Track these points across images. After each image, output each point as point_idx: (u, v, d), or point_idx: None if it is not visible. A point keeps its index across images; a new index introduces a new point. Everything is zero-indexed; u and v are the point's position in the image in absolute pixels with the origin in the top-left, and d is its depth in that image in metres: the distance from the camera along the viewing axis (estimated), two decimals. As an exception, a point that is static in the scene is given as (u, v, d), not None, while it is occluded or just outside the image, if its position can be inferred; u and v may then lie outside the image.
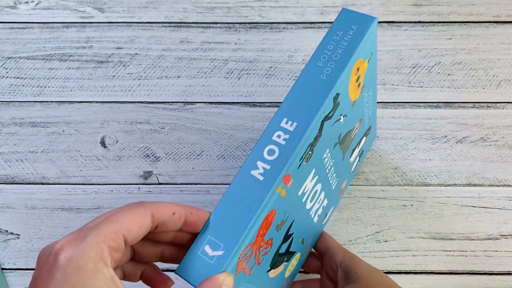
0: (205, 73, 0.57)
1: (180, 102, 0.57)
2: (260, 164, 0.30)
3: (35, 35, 0.58)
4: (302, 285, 0.47)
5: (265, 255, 0.33)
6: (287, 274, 0.42)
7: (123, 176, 0.56)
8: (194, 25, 0.58)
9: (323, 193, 0.40)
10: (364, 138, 0.45)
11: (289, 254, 0.39)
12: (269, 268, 0.36)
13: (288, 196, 0.32)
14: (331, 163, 0.38)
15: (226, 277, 0.27)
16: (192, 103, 0.57)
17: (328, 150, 0.35)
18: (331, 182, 0.41)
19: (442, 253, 0.53)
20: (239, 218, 0.29)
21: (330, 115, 0.32)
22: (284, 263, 0.39)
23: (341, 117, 0.35)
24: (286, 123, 0.31)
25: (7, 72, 0.58)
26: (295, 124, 0.31)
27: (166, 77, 0.57)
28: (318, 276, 0.48)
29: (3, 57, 0.58)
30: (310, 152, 0.32)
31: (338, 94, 0.32)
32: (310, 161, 0.33)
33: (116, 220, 0.26)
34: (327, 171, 0.38)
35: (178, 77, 0.57)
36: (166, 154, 0.56)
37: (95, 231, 0.25)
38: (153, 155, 0.56)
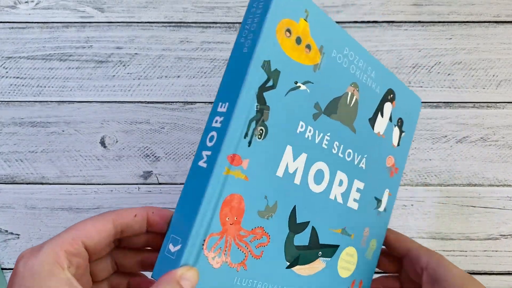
0: (205, 73, 0.57)
1: (180, 102, 0.57)
2: (204, 153, 0.30)
3: (35, 35, 0.58)
4: (381, 283, 0.44)
5: (262, 246, 0.32)
6: (343, 273, 0.39)
7: (123, 176, 0.56)
8: (194, 25, 0.58)
9: (339, 174, 0.37)
10: (389, 104, 0.41)
11: (322, 247, 0.37)
12: (288, 263, 0.34)
13: (258, 178, 0.31)
14: (327, 138, 0.36)
15: (186, 271, 0.27)
16: (192, 103, 0.57)
17: (302, 123, 0.34)
18: (347, 159, 0.38)
19: (442, 253, 0.53)
20: (190, 209, 0.29)
21: (269, 85, 0.32)
22: (321, 258, 0.37)
23: (300, 84, 0.33)
24: (221, 106, 0.31)
25: (6, 72, 0.58)
26: (227, 104, 0.31)
27: (166, 77, 0.57)
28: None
29: (2, 57, 0.58)
30: (262, 128, 0.31)
31: (267, 62, 0.31)
32: (269, 137, 0.32)
33: (75, 228, 0.27)
34: (324, 146, 0.36)
35: (178, 77, 0.57)
36: (166, 154, 0.56)
37: (53, 239, 0.26)
38: (153, 155, 0.56)
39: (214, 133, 0.30)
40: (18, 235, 0.55)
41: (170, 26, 0.58)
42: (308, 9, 0.33)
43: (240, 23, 0.58)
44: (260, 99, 0.31)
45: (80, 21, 0.59)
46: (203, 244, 0.29)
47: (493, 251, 0.53)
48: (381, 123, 0.41)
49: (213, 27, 0.58)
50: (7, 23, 0.59)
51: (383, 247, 0.43)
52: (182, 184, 0.55)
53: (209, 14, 0.58)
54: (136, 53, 0.58)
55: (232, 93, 0.30)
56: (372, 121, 0.40)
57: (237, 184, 0.30)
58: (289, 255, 0.35)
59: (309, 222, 0.36)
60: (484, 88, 0.56)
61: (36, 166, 0.56)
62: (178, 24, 0.58)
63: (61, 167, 0.56)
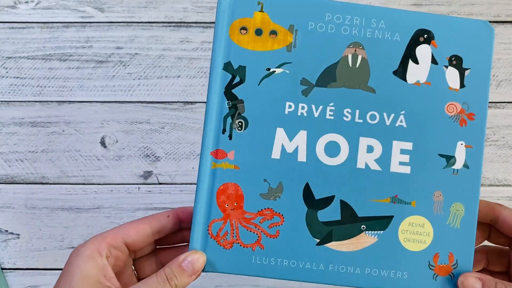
0: (205, 72, 0.57)
1: (180, 102, 0.57)
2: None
3: (35, 34, 0.58)
4: (485, 254, 0.39)
5: (276, 226, 0.35)
6: (413, 246, 0.36)
7: (123, 176, 0.56)
8: (194, 25, 0.58)
9: (363, 140, 0.36)
10: (424, 46, 0.37)
11: (365, 220, 0.35)
12: (318, 240, 0.35)
13: (250, 165, 0.35)
14: (331, 108, 0.36)
15: (189, 254, 0.32)
16: (192, 102, 0.57)
17: (290, 103, 0.35)
18: (372, 122, 0.36)
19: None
20: (195, 202, 0.35)
21: (236, 82, 0.35)
22: (367, 232, 0.35)
23: (275, 69, 0.35)
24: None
25: (7, 72, 0.58)
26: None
27: (166, 77, 0.57)
28: None
29: (3, 57, 0.58)
30: (241, 120, 0.35)
31: (227, 63, 0.35)
32: (252, 126, 0.35)
33: (117, 227, 0.33)
34: (330, 117, 0.35)
35: (178, 77, 0.57)
36: (166, 154, 0.56)
37: (99, 234, 0.32)
38: (153, 155, 0.56)
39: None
40: (18, 235, 0.55)
41: (170, 26, 0.58)
42: (261, 0, 0.35)
43: (240, 23, 0.58)
44: (230, 96, 0.35)
45: (80, 21, 0.59)
46: (208, 230, 0.34)
47: (493, 251, 0.53)
48: (418, 71, 0.36)
49: (213, 27, 0.58)
50: (7, 23, 0.59)
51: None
52: (182, 184, 0.55)
53: (209, 14, 0.58)
54: (136, 53, 0.58)
55: (207, 98, 0.35)
56: (401, 72, 0.36)
57: (227, 174, 0.34)
58: (316, 232, 0.35)
59: (333, 196, 0.35)
60: (484, 88, 0.56)
61: (36, 166, 0.56)
62: (178, 24, 0.58)
63: (61, 167, 0.56)
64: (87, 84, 0.57)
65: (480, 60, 0.37)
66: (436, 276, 0.35)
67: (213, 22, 0.59)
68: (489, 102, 0.56)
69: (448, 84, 0.36)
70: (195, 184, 0.56)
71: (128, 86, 0.57)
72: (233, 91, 0.35)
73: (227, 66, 0.35)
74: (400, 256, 0.35)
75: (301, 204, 0.35)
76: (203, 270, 0.33)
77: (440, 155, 0.36)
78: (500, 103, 0.56)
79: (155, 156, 0.56)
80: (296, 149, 0.35)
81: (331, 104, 0.36)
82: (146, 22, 0.59)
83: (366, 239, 0.35)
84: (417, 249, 0.36)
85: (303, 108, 0.35)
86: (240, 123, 0.35)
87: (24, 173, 0.56)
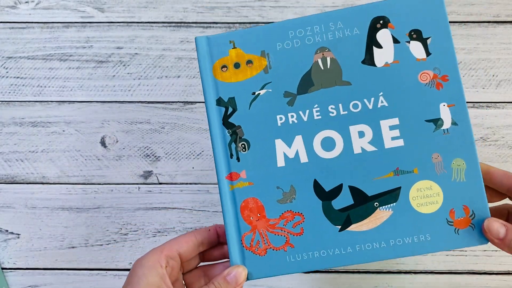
0: (205, 73, 0.57)
1: (180, 101, 0.57)
2: None
3: (35, 35, 0.58)
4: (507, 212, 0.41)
5: (299, 224, 0.39)
6: (427, 209, 0.38)
7: (123, 175, 0.56)
8: (194, 25, 0.58)
9: (353, 128, 0.39)
10: (383, 30, 0.40)
11: (376, 198, 0.38)
12: (340, 227, 0.38)
13: (261, 178, 0.39)
14: (317, 109, 0.39)
15: (232, 269, 0.37)
16: (192, 102, 0.57)
17: (280, 115, 0.39)
18: (355, 110, 0.39)
19: (441, 253, 0.53)
20: (224, 223, 0.39)
21: (230, 112, 0.40)
22: (381, 208, 0.38)
23: (259, 92, 0.40)
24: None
25: (7, 72, 0.58)
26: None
27: (166, 77, 0.57)
28: None
29: (3, 57, 0.58)
30: (243, 143, 0.39)
31: (218, 99, 0.40)
32: (253, 145, 0.39)
33: (171, 240, 0.38)
34: (317, 117, 0.39)
35: (178, 77, 0.57)
36: (166, 153, 0.56)
37: (157, 247, 0.37)
38: (153, 155, 0.56)
39: None
40: (19, 234, 0.55)
41: (170, 26, 0.58)
42: (231, 39, 0.40)
43: (240, 23, 0.58)
44: (228, 125, 0.40)
45: (81, 21, 0.59)
46: (241, 243, 0.38)
47: (493, 250, 0.53)
48: (383, 53, 0.39)
49: (213, 27, 0.58)
50: (8, 23, 0.59)
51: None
52: (182, 183, 0.55)
53: (209, 14, 0.58)
54: (136, 53, 0.58)
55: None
56: (368, 60, 0.39)
57: (244, 191, 0.39)
58: (335, 220, 0.39)
59: (341, 184, 0.39)
60: (483, 88, 0.56)
61: (37, 166, 0.56)
62: (178, 24, 0.58)
63: (61, 167, 0.56)
64: (87, 84, 0.57)
65: (438, 27, 0.39)
66: (458, 230, 0.38)
67: (213, 22, 0.59)
68: (489, 102, 0.56)
69: (415, 56, 0.39)
70: (195, 184, 0.56)
71: (128, 86, 0.57)
72: (229, 120, 0.40)
73: (219, 101, 0.40)
74: (418, 221, 0.38)
75: (315, 199, 0.39)
76: (247, 279, 0.38)
77: (426, 120, 0.39)
78: (500, 103, 0.56)
79: (155, 156, 0.56)
80: (297, 153, 0.39)
81: (316, 106, 0.39)
82: (146, 22, 0.59)
83: (382, 214, 0.38)
84: (432, 210, 0.38)
85: (292, 116, 0.39)
86: (243, 145, 0.39)
87: (25, 173, 0.56)
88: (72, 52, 0.58)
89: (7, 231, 0.55)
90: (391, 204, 0.39)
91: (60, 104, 0.57)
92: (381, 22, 0.40)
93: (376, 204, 0.39)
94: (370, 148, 0.39)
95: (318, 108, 0.39)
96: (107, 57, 0.58)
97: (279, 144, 0.39)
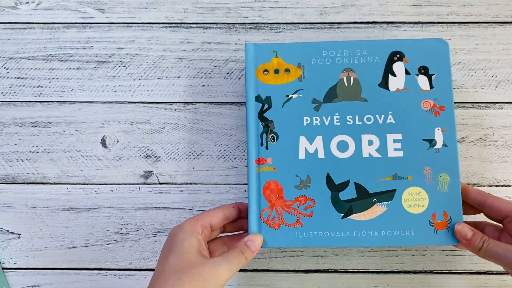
0: (205, 73, 0.57)
1: (180, 102, 0.57)
2: None
3: (36, 35, 0.59)
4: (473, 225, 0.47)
5: (310, 208, 0.47)
6: (414, 210, 0.47)
7: (124, 176, 0.56)
8: (194, 25, 0.59)
9: (365, 136, 0.48)
10: (398, 63, 0.49)
11: (375, 195, 0.47)
12: (343, 214, 0.47)
13: (284, 166, 0.47)
14: (337, 117, 0.48)
15: (251, 236, 0.45)
16: (192, 103, 0.57)
17: (306, 117, 0.48)
18: (368, 123, 0.48)
19: (441, 253, 0.53)
20: (248, 198, 0.48)
21: (265, 108, 0.49)
22: (378, 204, 0.47)
23: (292, 95, 0.49)
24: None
25: (7, 73, 0.58)
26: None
27: (166, 77, 0.57)
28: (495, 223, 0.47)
29: (4, 57, 0.58)
30: (273, 135, 0.48)
31: (257, 96, 0.49)
32: (281, 138, 0.48)
33: (204, 213, 0.45)
34: (337, 124, 0.48)
35: (179, 77, 0.57)
36: (166, 154, 0.56)
37: (192, 218, 0.44)
38: (153, 155, 0.56)
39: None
40: (19, 234, 0.55)
41: (170, 26, 0.59)
42: (275, 49, 0.50)
43: (240, 23, 0.58)
44: (263, 119, 0.48)
45: (81, 22, 0.59)
46: (260, 217, 0.47)
47: (492, 250, 0.53)
48: (396, 81, 0.49)
49: (213, 27, 0.58)
50: (8, 24, 0.59)
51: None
52: (183, 183, 0.55)
53: (210, 15, 0.59)
54: (136, 54, 0.58)
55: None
56: (384, 84, 0.49)
57: (268, 174, 0.48)
58: (340, 208, 0.47)
59: (349, 180, 0.47)
60: (483, 88, 0.56)
61: (37, 166, 0.56)
62: (179, 25, 0.59)
63: (62, 167, 0.56)
64: (87, 85, 0.58)
65: (441, 67, 0.49)
66: (437, 231, 0.46)
67: (213, 23, 0.59)
68: (488, 103, 0.56)
69: (421, 87, 0.49)
70: (195, 184, 0.57)
71: (128, 86, 0.57)
72: (264, 115, 0.48)
73: (258, 98, 0.49)
74: (406, 218, 0.47)
75: (325, 189, 0.47)
76: (262, 247, 0.46)
77: (423, 139, 0.48)
78: (499, 104, 0.56)
79: (156, 156, 0.56)
80: (316, 150, 0.48)
81: (337, 114, 0.48)
82: (146, 23, 0.59)
83: (378, 209, 0.47)
84: (418, 211, 0.47)
85: (316, 119, 0.48)
86: (272, 137, 0.48)
87: (25, 173, 0.56)
88: (72, 53, 0.58)
89: (7, 231, 0.55)
90: (387, 202, 0.47)
91: (60, 104, 0.57)
92: (398, 55, 0.49)
93: (375, 200, 0.47)
94: (376, 154, 0.48)
95: (338, 116, 0.48)
96: (107, 57, 0.58)
97: (302, 140, 0.48)
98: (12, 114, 0.57)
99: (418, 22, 0.58)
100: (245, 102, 0.56)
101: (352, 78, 0.49)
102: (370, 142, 0.48)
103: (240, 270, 0.54)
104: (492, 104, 0.56)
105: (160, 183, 0.56)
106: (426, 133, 0.48)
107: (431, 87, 0.49)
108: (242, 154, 0.56)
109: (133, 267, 0.54)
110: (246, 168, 0.55)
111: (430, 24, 0.58)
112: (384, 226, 0.47)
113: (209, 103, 0.57)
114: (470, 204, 0.47)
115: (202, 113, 0.57)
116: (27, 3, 0.60)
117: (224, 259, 0.41)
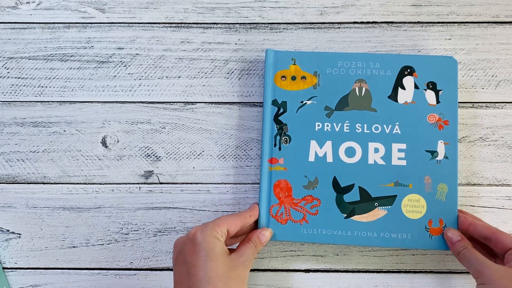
0: (205, 73, 0.57)
1: (180, 102, 0.57)
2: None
3: (36, 35, 0.59)
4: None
5: (316, 207, 0.50)
6: (412, 215, 0.50)
7: (124, 175, 0.56)
8: (194, 25, 0.59)
9: (372, 144, 0.51)
10: (408, 77, 0.52)
11: (377, 199, 0.50)
12: (346, 215, 0.50)
13: (294, 167, 0.51)
14: (347, 124, 0.51)
15: (262, 230, 0.49)
16: (192, 103, 0.57)
17: (318, 123, 0.51)
18: (376, 132, 0.51)
19: (441, 253, 0.54)
20: (260, 194, 0.51)
21: (281, 111, 0.52)
22: (379, 207, 0.50)
23: (306, 101, 0.52)
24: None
25: (8, 72, 0.58)
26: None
27: (166, 77, 0.57)
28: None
29: (4, 57, 0.58)
30: (286, 137, 0.51)
31: (274, 100, 0.52)
32: (293, 141, 0.51)
33: (222, 218, 0.47)
34: (346, 130, 0.51)
35: (179, 77, 0.57)
36: (167, 153, 0.56)
37: (212, 223, 0.46)
38: (153, 155, 0.56)
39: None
40: (20, 234, 0.55)
41: (171, 26, 0.59)
42: (294, 57, 0.53)
43: (240, 23, 0.59)
44: (278, 122, 0.52)
45: (82, 22, 0.59)
46: (269, 212, 0.50)
47: (492, 250, 0.53)
48: (405, 94, 0.52)
49: (213, 27, 0.58)
50: (9, 24, 0.59)
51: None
52: (183, 183, 0.55)
53: (210, 15, 0.59)
54: (137, 54, 0.58)
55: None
56: (393, 96, 0.52)
57: (279, 173, 0.51)
58: (343, 209, 0.50)
59: (353, 184, 0.50)
60: (483, 88, 0.56)
61: (38, 166, 0.56)
62: (179, 25, 0.59)
63: (62, 167, 0.56)
64: (88, 85, 0.58)
65: (449, 83, 0.52)
66: (432, 236, 0.49)
67: (213, 23, 0.59)
68: (488, 102, 0.56)
69: (428, 102, 0.51)
70: (196, 183, 0.57)
71: (129, 86, 0.57)
72: (279, 118, 0.52)
73: (274, 102, 0.52)
74: (404, 223, 0.50)
75: (331, 191, 0.50)
76: (270, 239, 0.49)
77: (426, 151, 0.51)
78: (499, 103, 0.56)
79: (156, 156, 0.56)
80: (325, 154, 0.51)
81: (347, 121, 0.51)
82: (147, 23, 0.59)
83: (379, 212, 0.50)
84: (416, 217, 0.50)
85: (327, 125, 0.51)
86: (285, 139, 0.51)
87: (26, 173, 0.56)
88: (73, 53, 0.58)
89: (8, 230, 0.56)
90: (387, 206, 0.50)
91: (61, 104, 0.57)
92: (408, 70, 0.52)
93: (376, 204, 0.50)
94: (381, 162, 0.51)
95: (348, 124, 0.51)
96: (108, 57, 0.58)
97: (313, 144, 0.51)
98: (12, 114, 0.57)
99: (418, 22, 0.58)
100: (245, 102, 0.56)
101: (364, 89, 0.52)
102: (376, 150, 0.51)
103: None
104: (492, 104, 0.56)
105: (161, 183, 0.56)
106: (430, 145, 0.50)
107: (438, 102, 0.51)
108: (242, 153, 0.56)
109: (134, 267, 0.55)
110: (246, 168, 0.55)
111: (430, 24, 0.58)
112: (383, 228, 0.50)
113: (209, 103, 0.57)
114: (476, 239, 0.49)
115: (202, 113, 0.57)
116: (27, 3, 0.60)
117: (246, 258, 0.45)
